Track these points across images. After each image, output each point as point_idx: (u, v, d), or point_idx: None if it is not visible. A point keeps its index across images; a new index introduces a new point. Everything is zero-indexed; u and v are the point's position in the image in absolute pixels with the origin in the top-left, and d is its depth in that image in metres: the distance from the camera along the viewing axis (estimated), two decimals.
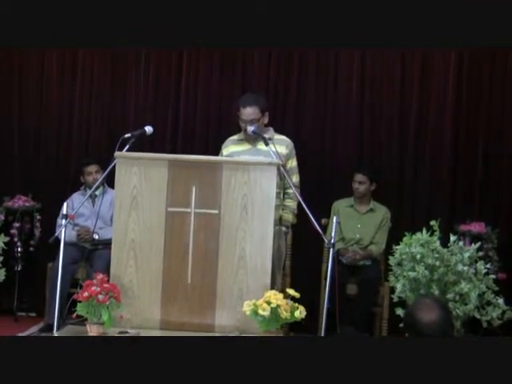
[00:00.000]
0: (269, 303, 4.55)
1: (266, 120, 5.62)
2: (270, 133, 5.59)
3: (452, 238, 4.89)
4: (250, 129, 5.44)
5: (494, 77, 6.87)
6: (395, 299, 4.87)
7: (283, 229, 5.57)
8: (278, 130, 5.87)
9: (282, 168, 5.19)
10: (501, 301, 4.79)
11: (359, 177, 6.54)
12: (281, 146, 5.39)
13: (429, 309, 3.05)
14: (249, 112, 5.53)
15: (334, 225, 5.02)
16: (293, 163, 5.67)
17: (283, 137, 5.69)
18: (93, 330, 4.60)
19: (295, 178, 5.62)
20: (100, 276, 4.73)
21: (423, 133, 6.96)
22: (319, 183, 6.94)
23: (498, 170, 6.87)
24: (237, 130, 5.74)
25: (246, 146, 5.64)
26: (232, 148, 5.68)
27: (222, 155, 5.69)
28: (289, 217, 5.68)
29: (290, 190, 5.58)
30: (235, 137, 5.76)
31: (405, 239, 4.84)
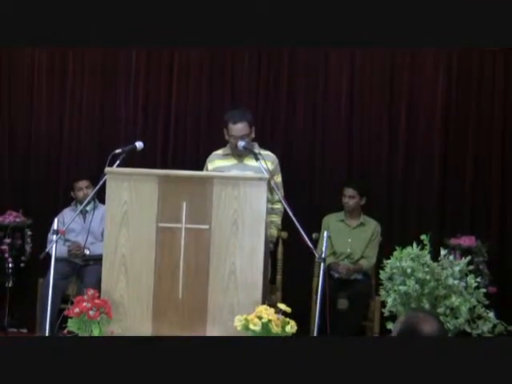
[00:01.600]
0: (260, 318, 4.55)
1: (253, 134, 5.63)
2: (255, 148, 5.60)
3: (442, 251, 4.88)
4: (241, 144, 5.44)
5: (484, 77, 6.93)
6: (386, 313, 4.86)
7: (270, 245, 5.57)
8: (268, 141, 5.89)
9: (272, 183, 5.21)
10: (491, 314, 4.78)
11: (349, 191, 6.55)
12: (267, 161, 5.37)
13: (428, 321, 3.06)
14: (240, 128, 5.54)
15: (325, 239, 5.03)
16: (278, 179, 5.67)
17: (268, 152, 5.70)
18: None
19: (280, 194, 5.62)
20: (91, 292, 4.74)
21: (413, 145, 6.99)
22: (309, 197, 6.97)
23: (488, 184, 6.90)
24: (225, 143, 5.76)
25: (232, 161, 5.66)
26: (218, 163, 5.68)
27: (207, 170, 5.70)
28: (274, 232, 5.70)
29: (275, 206, 5.61)
30: (220, 151, 5.77)
31: (395, 253, 4.84)
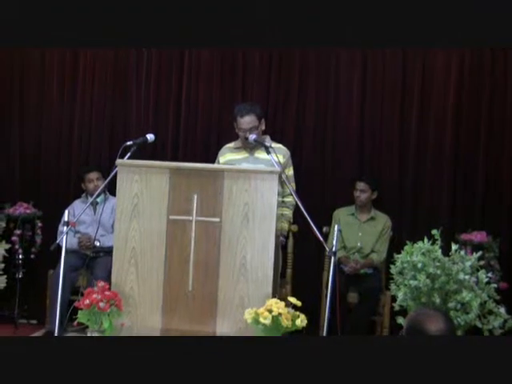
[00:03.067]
0: (270, 311, 4.55)
1: (263, 126, 5.64)
2: (267, 141, 5.60)
3: (453, 247, 4.87)
4: (252, 137, 5.45)
5: (496, 76, 6.88)
6: (396, 308, 4.85)
7: (281, 238, 5.57)
8: (279, 138, 5.87)
9: (283, 176, 5.20)
10: (502, 310, 4.76)
11: (361, 185, 6.54)
12: (278, 154, 5.37)
13: (434, 320, 3.05)
14: (247, 121, 5.55)
15: (336, 233, 5.00)
16: (289, 172, 5.68)
17: (280, 145, 5.70)
18: None
19: (292, 187, 5.61)
20: (101, 284, 4.74)
21: (424, 142, 6.95)
22: (320, 191, 6.94)
23: (499, 179, 6.86)
24: (237, 137, 5.75)
25: (243, 154, 5.66)
26: (229, 156, 5.69)
27: (218, 163, 5.71)
28: (285, 226, 5.70)
29: (286, 199, 5.60)
30: (231, 144, 5.77)
31: (406, 248, 4.82)
